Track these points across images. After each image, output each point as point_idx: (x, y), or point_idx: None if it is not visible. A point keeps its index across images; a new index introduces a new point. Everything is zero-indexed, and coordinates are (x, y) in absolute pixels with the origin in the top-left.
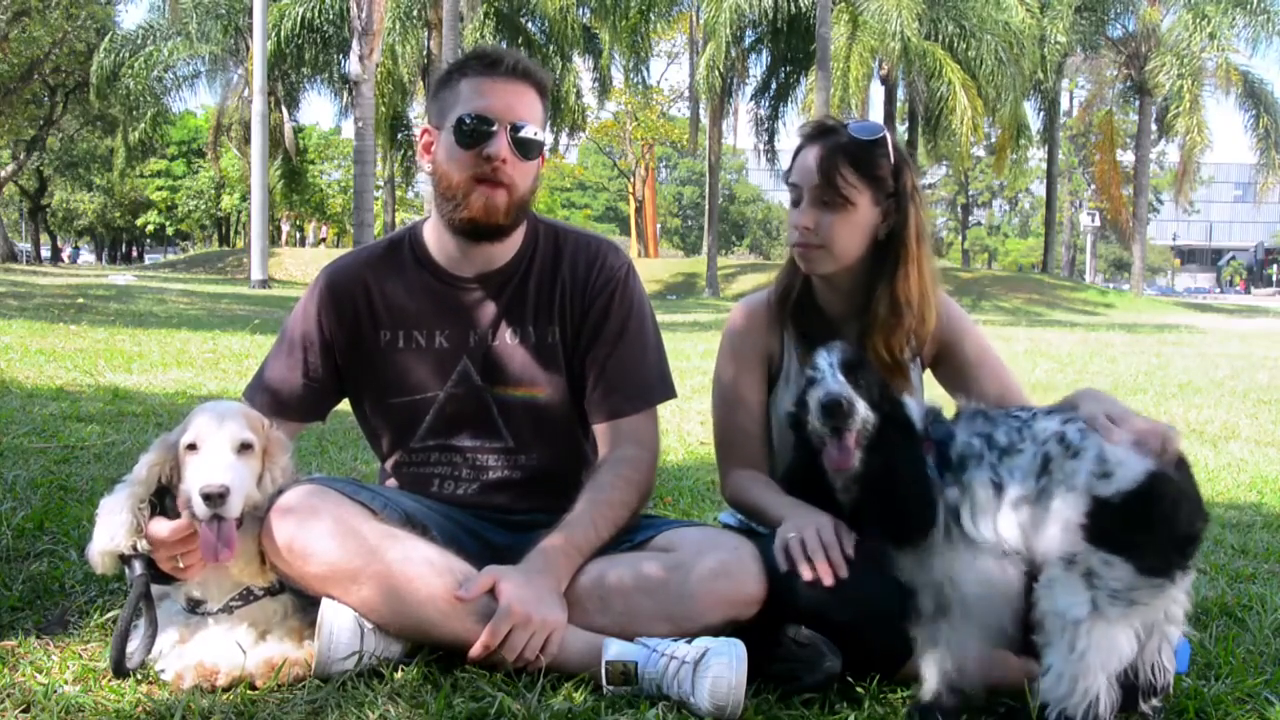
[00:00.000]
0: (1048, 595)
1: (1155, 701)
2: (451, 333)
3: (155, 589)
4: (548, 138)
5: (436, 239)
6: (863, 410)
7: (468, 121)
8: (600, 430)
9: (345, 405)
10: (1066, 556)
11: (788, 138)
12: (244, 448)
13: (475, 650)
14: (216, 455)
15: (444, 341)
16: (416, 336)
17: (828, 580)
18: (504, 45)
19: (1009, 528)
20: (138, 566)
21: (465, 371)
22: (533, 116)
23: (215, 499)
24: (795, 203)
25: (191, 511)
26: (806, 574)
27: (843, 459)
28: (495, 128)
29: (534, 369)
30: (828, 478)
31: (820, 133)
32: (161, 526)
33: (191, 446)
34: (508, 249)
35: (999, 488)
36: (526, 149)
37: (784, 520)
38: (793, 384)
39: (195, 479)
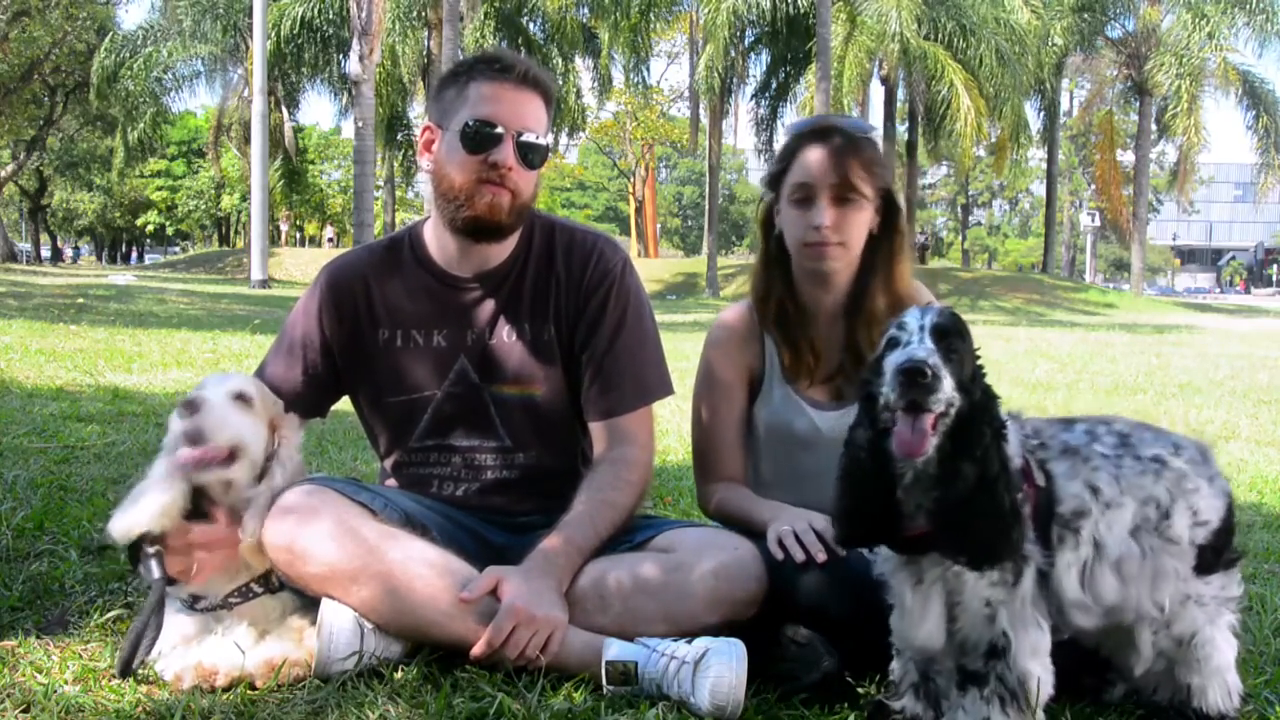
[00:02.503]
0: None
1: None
2: (449, 332)
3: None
4: (562, 139)
5: (436, 239)
6: (948, 389)
7: (475, 126)
8: (596, 428)
9: (345, 405)
10: (1179, 599)
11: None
12: (240, 398)
13: (478, 649)
14: (206, 391)
15: (441, 341)
16: (414, 336)
17: (820, 557)
18: (504, 45)
19: (1109, 589)
20: (155, 569)
21: (463, 370)
22: (538, 124)
23: (185, 406)
24: (801, 203)
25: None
26: (799, 555)
27: (916, 443)
28: (502, 134)
29: (531, 367)
30: (891, 470)
31: (822, 132)
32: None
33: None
34: (505, 248)
35: (1099, 546)
36: (531, 157)
37: (773, 521)
38: (776, 392)
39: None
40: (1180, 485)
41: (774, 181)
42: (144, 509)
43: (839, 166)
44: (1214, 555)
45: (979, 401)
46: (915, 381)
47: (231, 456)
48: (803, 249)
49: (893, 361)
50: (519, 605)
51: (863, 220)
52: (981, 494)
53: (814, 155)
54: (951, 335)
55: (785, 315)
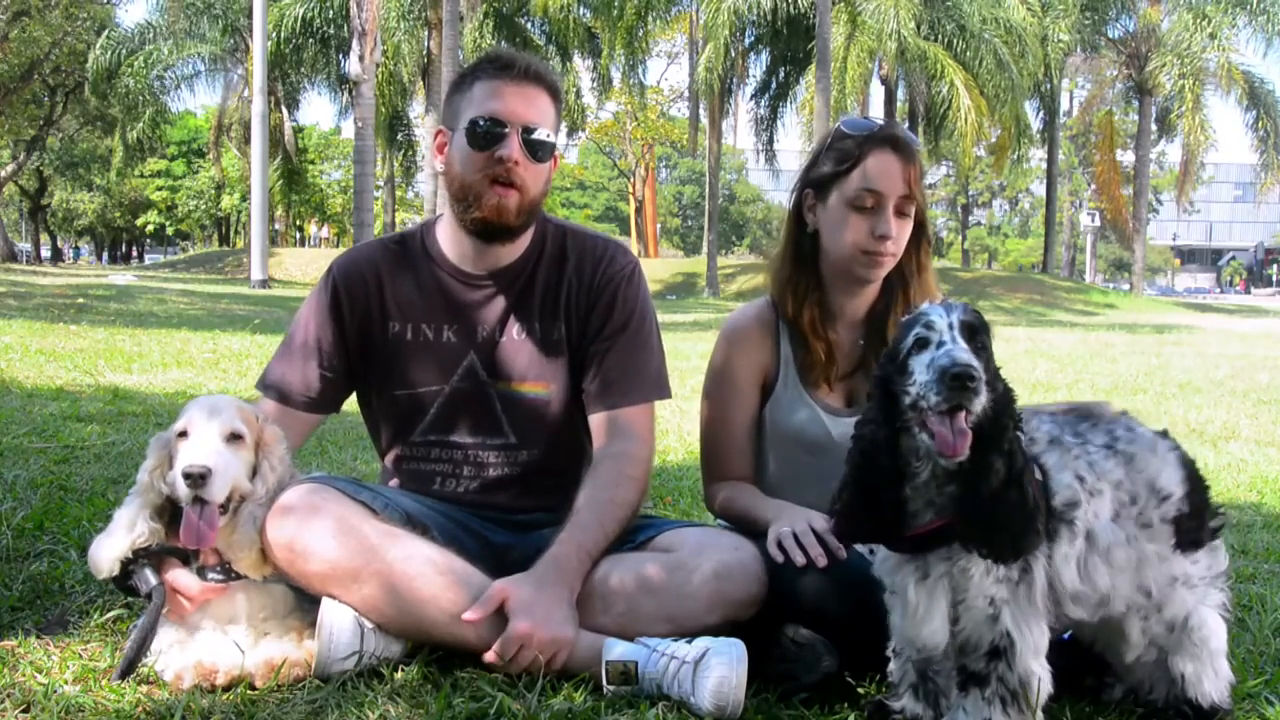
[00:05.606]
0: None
1: None
2: (459, 328)
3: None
4: (561, 139)
5: (449, 236)
6: (983, 390)
7: (481, 124)
8: (596, 422)
9: (346, 405)
10: (1165, 581)
11: (787, 138)
12: (234, 437)
13: (488, 657)
14: (203, 441)
15: (451, 336)
16: (424, 330)
17: (821, 561)
18: (503, 45)
19: (1103, 577)
20: (151, 576)
21: (471, 366)
22: (545, 119)
23: (196, 479)
24: (865, 210)
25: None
26: (799, 558)
27: (959, 443)
28: (507, 130)
29: (539, 365)
30: (904, 468)
31: (893, 140)
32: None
33: (182, 434)
34: (517, 247)
35: (1090, 537)
36: (538, 151)
37: (774, 522)
38: (788, 394)
39: (180, 462)
40: (1134, 465)
41: (825, 181)
42: (119, 541)
43: (906, 177)
44: (1194, 526)
45: (1002, 396)
46: (964, 385)
47: (226, 503)
48: (859, 255)
49: (931, 362)
50: (524, 628)
51: (910, 232)
52: (1010, 488)
53: (887, 163)
54: (980, 333)
55: (809, 315)
